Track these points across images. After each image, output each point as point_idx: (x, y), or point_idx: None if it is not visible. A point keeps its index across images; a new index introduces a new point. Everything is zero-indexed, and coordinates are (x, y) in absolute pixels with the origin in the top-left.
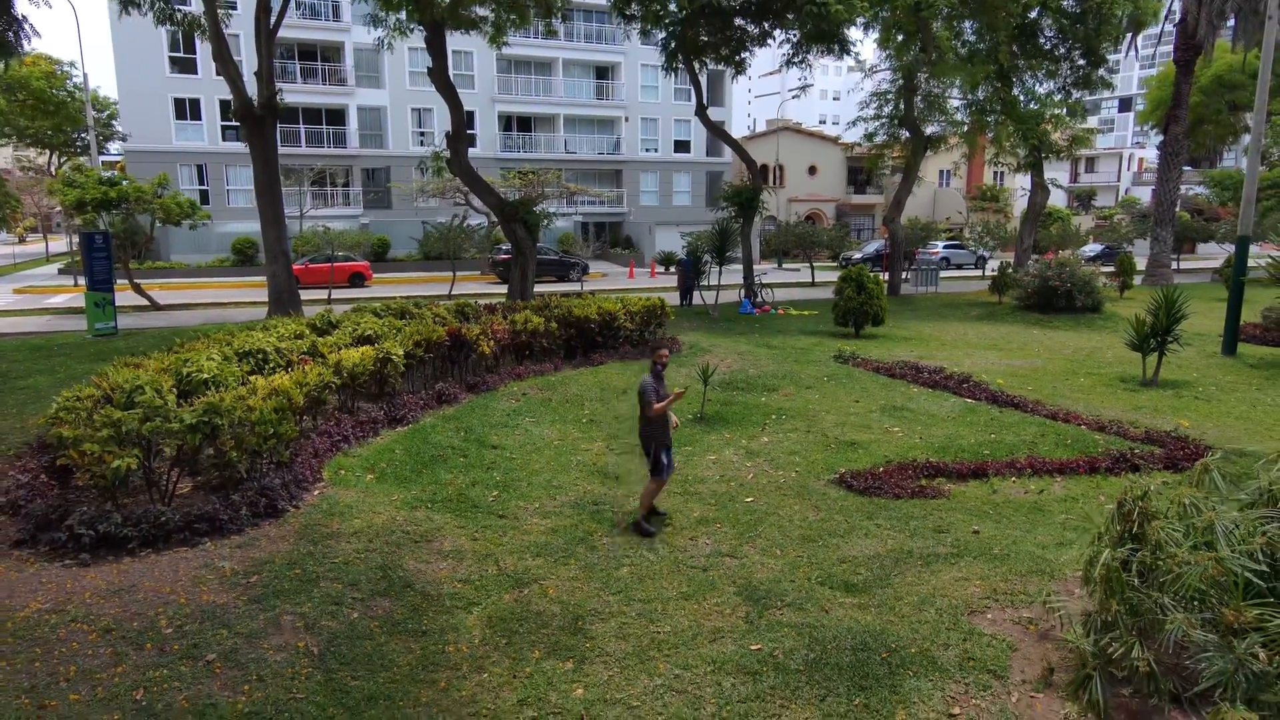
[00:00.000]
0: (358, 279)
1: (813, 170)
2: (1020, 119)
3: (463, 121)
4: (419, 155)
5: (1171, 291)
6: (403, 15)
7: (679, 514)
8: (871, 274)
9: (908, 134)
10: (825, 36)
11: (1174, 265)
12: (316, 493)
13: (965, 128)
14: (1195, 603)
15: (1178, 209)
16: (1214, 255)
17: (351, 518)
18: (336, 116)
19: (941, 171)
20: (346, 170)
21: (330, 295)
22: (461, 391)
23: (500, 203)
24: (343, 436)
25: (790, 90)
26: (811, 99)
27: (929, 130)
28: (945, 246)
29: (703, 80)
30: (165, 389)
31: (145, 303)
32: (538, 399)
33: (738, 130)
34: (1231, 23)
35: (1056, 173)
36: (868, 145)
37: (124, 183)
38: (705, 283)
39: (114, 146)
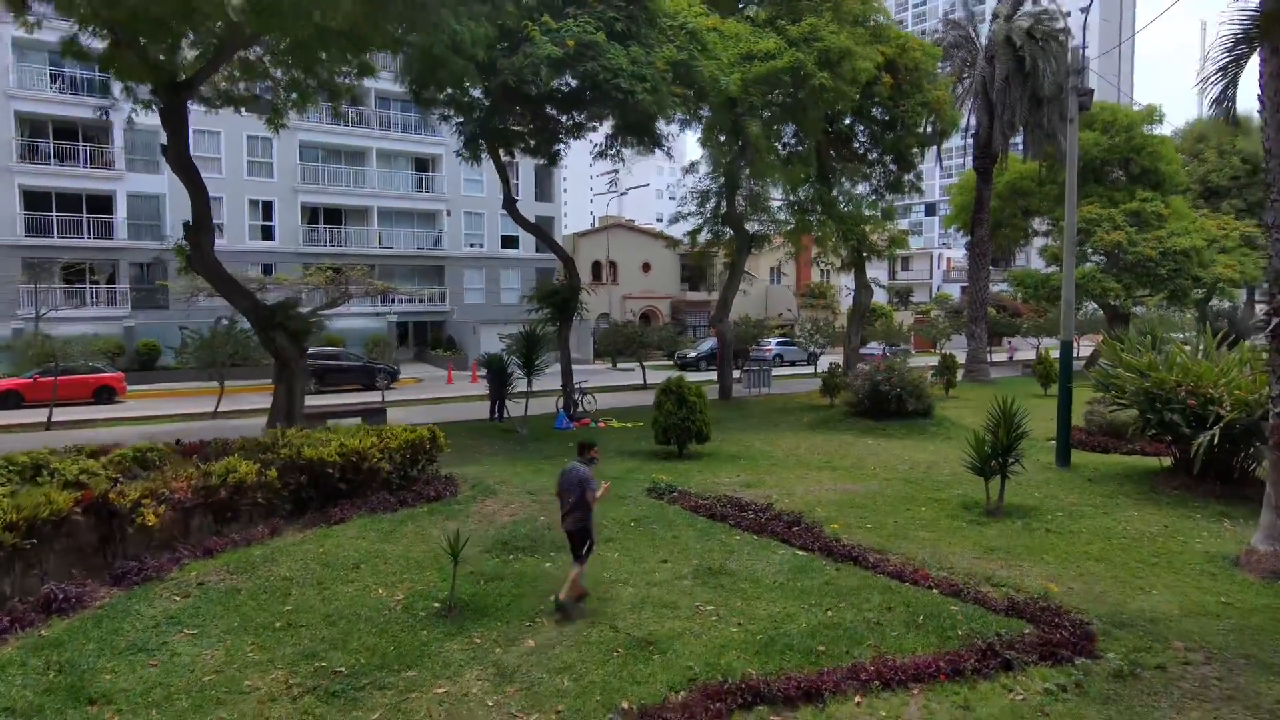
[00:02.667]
0: (106, 394)
1: (646, 267)
2: (840, 219)
3: (206, 209)
4: None
5: (1009, 404)
6: (145, 88)
7: None
8: (692, 385)
9: (732, 232)
10: (636, 129)
11: (991, 359)
12: None
13: (789, 227)
14: None
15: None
16: (1019, 348)
17: None
18: (101, 203)
19: (772, 269)
20: (112, 265)
21: (50, 417)
22: (100, 587)
23: (254, 306)
24: None
25: (608, 184)
26: (648, 196)
27: (753, 229)
28: (778, 344)
29: (529, 174)
30: None
31: None
32: (220, 590)
33: (579, 227)
34: (1020, 135)
35: (876, 271)
36: (691, 244)
37: None
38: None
39: None
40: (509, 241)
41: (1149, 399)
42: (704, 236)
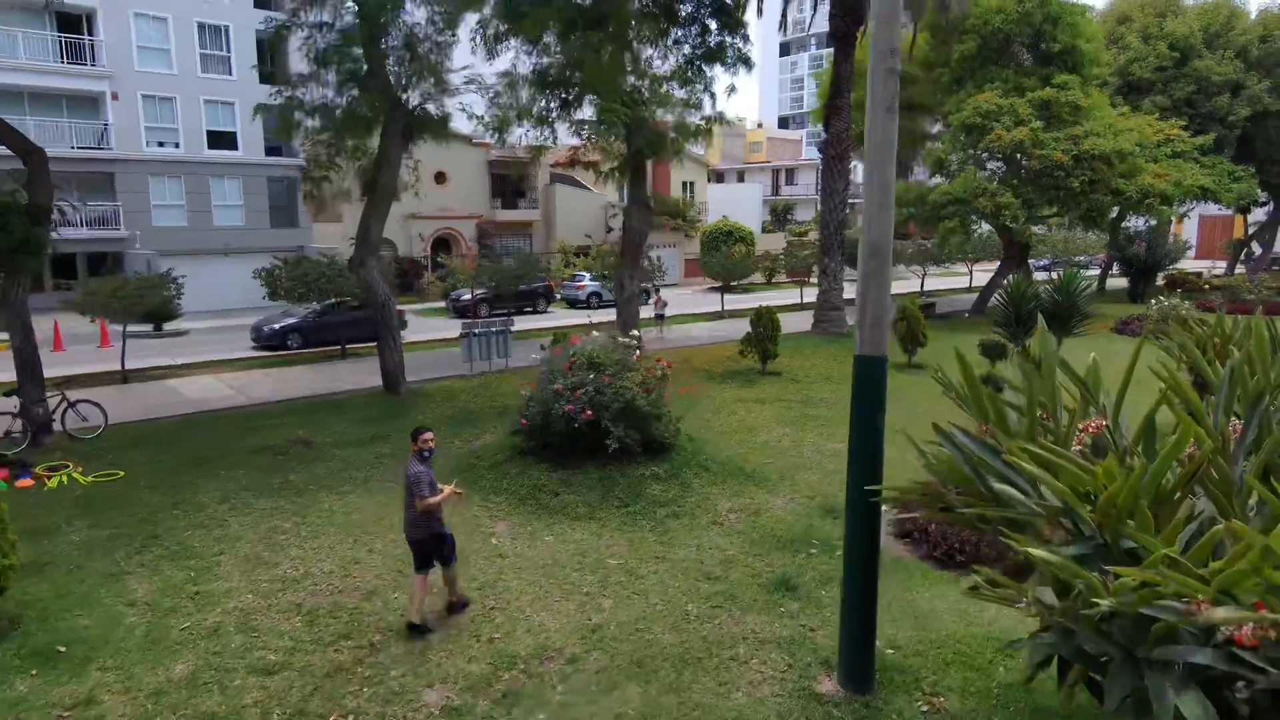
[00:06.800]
0: None
1: (441, 178)
2: (599, 83)
3: None
4: None
5: None
6: None
7: None
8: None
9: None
10: None
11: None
12: None
13: (502, 102)
14: None
15: (853, 228)
16: (902, 276)
17: None
18: None
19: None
20: None
21: None
22: None
23: None
24: None
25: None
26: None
27: (420, 100)
28: (594, 278)
29: (248, 40)
30: None
31: None
32: None
33: None
34: None
35: (756, 184)
36: (278, 122)
37: None
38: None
39: None
40: (220, 139)
41: (1112, 638)
42: (313, 97)
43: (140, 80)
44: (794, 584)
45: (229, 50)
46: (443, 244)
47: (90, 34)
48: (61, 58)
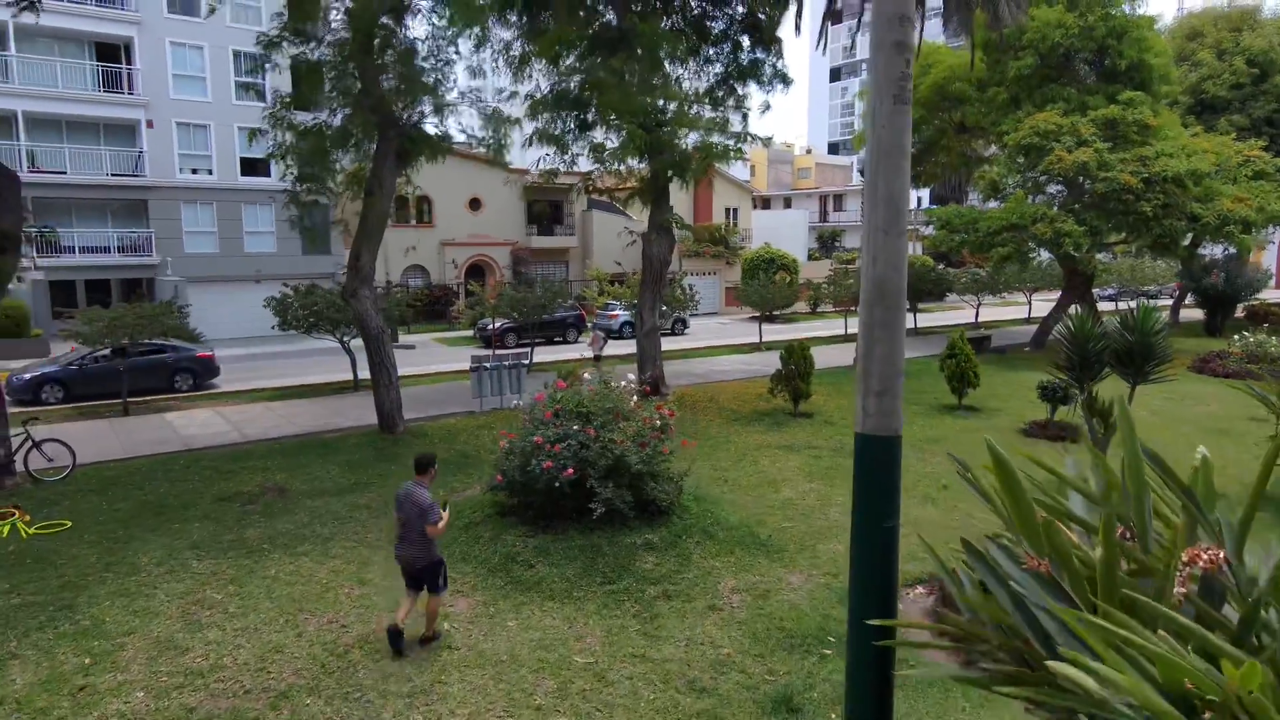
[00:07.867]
0: None
1: (476, 204)
2: (617, 105)
3: None
4: None
5: None
6: None
7: None
8: None
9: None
10: None
11: (912, 324)
12: None
13: (517, 123)
14: None
15: (917, 252)
16: (957, 305)
17: None
18: None
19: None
20: None
21: None
22: None
23: None
24: None
25: None
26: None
27: (416, 119)
28: (625, 307)
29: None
30: None
31: None
32: None
33: None
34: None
35: (802, 210)
36: (273, 138)
37: None
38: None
39: None
40: (254, 166)
41: None
42: (302, 118)
43: (175, 108)
44: (797, 704)
45: (264, 77)
46: (477, 271)
47: (127, 63)
48: (99, 86)
